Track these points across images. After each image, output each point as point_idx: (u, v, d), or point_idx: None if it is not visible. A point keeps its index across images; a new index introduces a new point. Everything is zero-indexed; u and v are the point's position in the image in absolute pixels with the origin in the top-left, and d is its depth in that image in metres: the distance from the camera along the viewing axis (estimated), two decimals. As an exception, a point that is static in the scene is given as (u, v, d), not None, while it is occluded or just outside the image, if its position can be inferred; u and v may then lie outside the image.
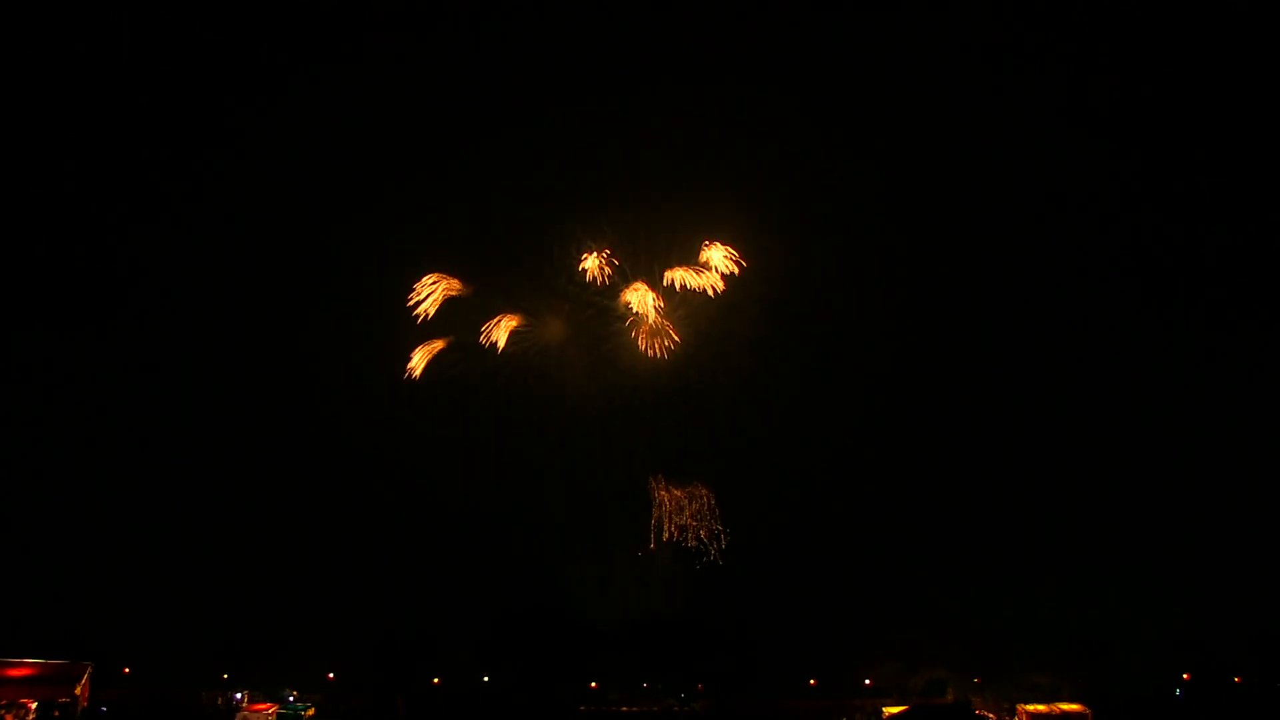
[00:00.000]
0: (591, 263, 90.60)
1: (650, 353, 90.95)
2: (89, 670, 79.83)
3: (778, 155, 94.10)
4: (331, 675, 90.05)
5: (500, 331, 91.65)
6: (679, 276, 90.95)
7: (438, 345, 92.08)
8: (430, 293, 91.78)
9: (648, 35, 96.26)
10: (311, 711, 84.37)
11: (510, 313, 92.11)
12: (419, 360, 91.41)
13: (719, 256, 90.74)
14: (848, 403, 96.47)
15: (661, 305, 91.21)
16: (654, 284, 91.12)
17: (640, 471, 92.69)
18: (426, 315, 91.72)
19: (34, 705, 75.30)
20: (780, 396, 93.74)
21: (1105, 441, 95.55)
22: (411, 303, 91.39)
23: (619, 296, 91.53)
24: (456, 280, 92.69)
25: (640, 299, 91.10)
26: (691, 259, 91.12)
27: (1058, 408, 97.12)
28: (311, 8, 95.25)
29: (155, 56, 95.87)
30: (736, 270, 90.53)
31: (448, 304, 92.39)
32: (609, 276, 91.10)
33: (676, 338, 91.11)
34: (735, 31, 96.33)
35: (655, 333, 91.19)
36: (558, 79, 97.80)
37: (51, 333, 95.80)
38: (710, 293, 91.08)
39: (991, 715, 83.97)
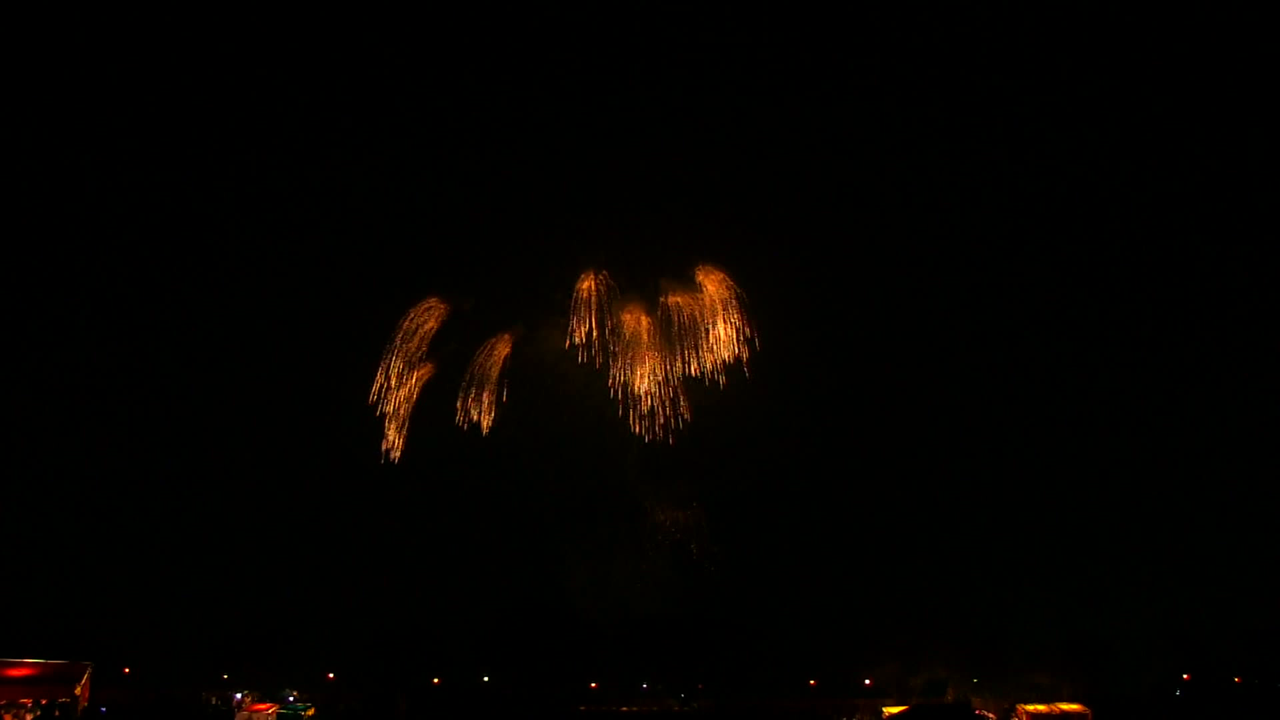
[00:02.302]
0: (587, 282, 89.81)
1: (649, 436, 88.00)
2: (89, 670, 79.71)
3: (771, 177, 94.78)
4: (331, 675, 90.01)
5: (496, 356, 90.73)
6: (673, 301, 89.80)
7: (427, 370, 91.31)
8: (425, 319, 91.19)
9: (645, 48, 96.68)
10: (311, 711, 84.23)
11: (507, 330, 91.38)
12: (395, 437, 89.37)
13: (712, 280, 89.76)
14: (848, 405, 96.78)
15: (656, 334, 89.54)
16: (650, 306, 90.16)
17: (634, 477, 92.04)
18: (422, 347, 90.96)
19: (33, 704, 75.40)
20: (778, 400, 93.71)
21: (1105, 443, 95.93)
22: (407, 325, 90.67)
23: (617, 314, 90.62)
24: (447, 305, 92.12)
25: (637, 361, 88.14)
26: (686, 280, 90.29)
27: (1058, 409, 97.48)
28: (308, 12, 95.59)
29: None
30: (730, 294, 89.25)
31: (447, 322, 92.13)
32: (605, 294, 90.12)
33: (687, 415, 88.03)
34: (732, 46, 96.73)
35: (656, 412, 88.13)
36: (555, 93, 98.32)
37: (56, 337, 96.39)
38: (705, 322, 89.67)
39: (992, 715, 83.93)
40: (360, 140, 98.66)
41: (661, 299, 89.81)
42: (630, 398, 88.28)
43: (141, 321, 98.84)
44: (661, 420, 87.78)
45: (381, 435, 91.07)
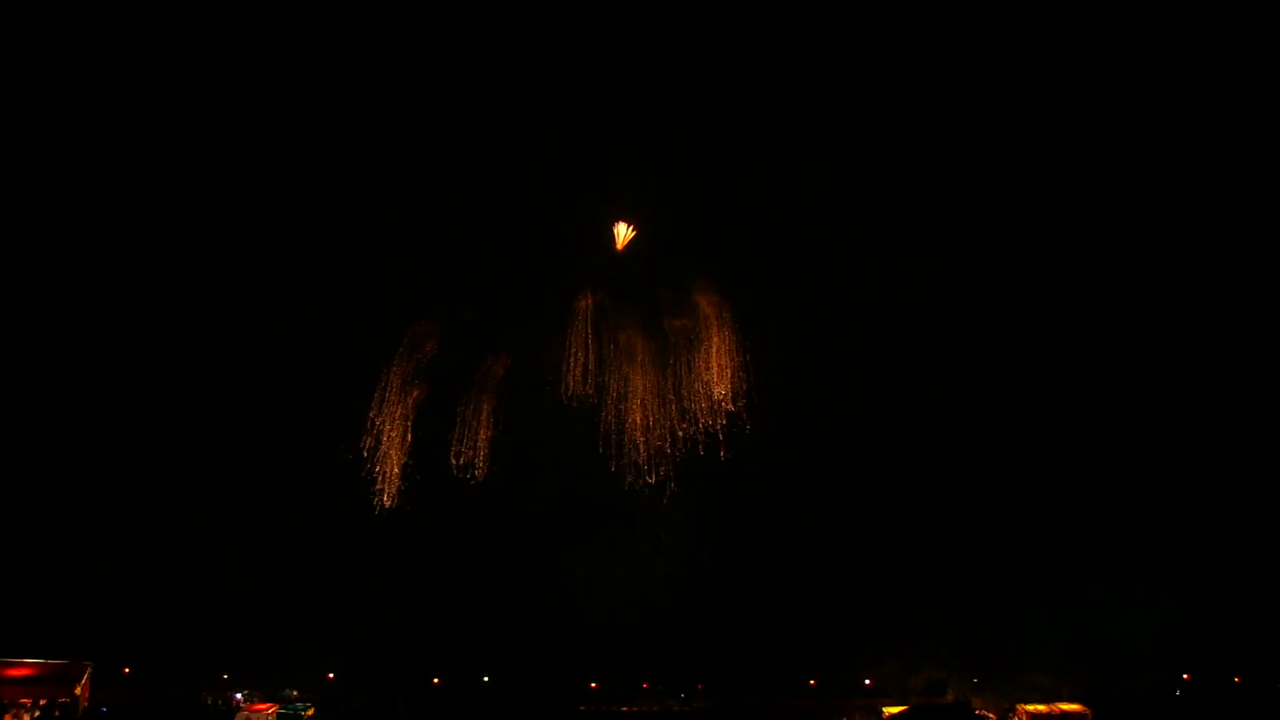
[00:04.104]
0: (585, 301, 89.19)
1: (643, 488, 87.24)
2: (89, 670, 79.85)
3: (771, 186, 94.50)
4: (331, 675, 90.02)
5: (492, 376, 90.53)
6: (670, 327, 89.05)
7: (422, 390, 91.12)
8: (422, 341, 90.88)
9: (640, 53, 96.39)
10: (311, 711, 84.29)
11: (506, 345, 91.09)
12: (388, 487, 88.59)
13: (707, 297, 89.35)
14: (846, 403, 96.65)
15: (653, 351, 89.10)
16: (647, 336, 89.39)
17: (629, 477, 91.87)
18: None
19: (33, 704, 75.46)
20: (777, 399, 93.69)
21: (1105, 441, 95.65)
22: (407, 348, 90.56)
23: (614, 337, 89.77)
24: (442, 324, 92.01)
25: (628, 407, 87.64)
26: (685, 295, 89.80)
27: (1056, 407, 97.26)
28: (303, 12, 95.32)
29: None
30: (724, 310, 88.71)
31: (444, 339, 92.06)
32: (603, 312, 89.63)
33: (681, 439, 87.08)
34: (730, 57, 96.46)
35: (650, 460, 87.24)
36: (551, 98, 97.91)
37: (56, 338, 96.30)
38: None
39: (992, 715, 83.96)
40: (350, 147, 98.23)
41: (660, 320, 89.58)
42: (625, 449, 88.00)
43: (142, 320, 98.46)
44: (656, 480, 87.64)
45: (380, 442, 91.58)
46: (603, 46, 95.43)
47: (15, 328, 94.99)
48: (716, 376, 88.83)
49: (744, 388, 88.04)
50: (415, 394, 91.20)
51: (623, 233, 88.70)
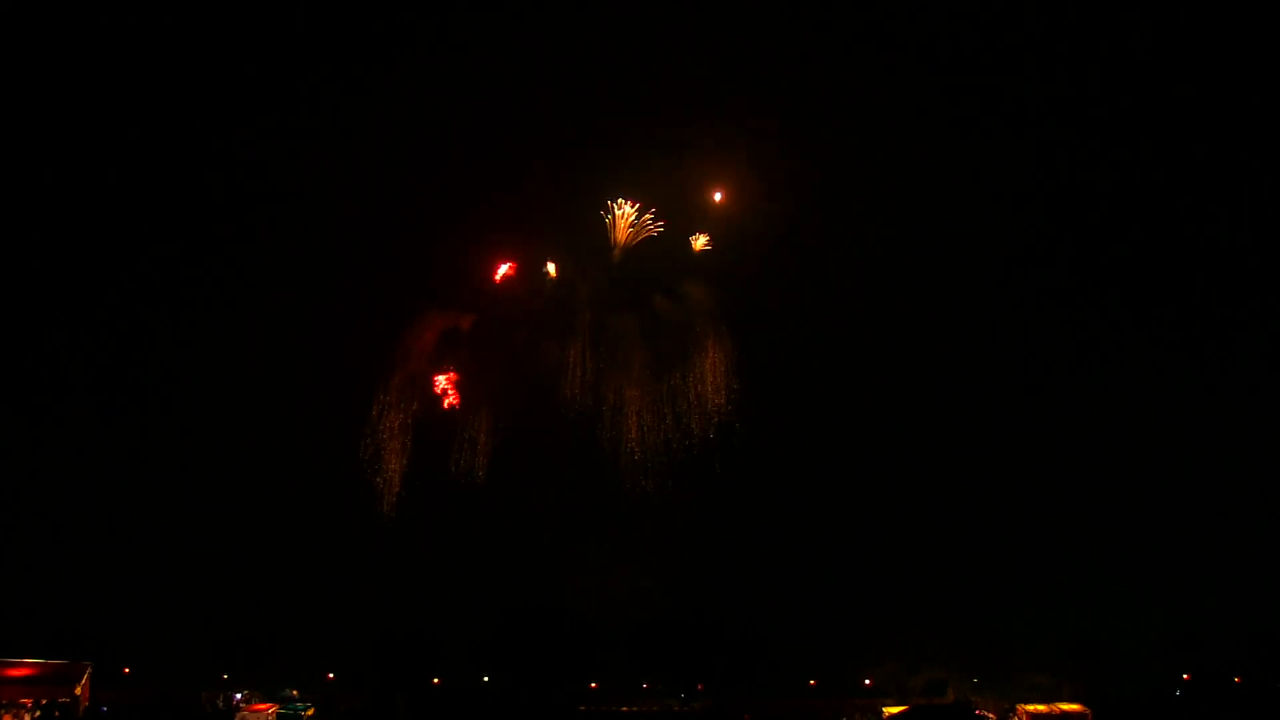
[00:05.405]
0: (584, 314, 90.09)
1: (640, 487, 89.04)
2: (89, 670, 80.00)
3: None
4: (331, 675, 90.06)
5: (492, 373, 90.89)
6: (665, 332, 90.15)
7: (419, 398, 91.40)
8: (422, 339, 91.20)
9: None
10: (311, 711, 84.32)
11: (506, 342, 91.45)
12: (388, 493, 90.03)
13: (700, 292, 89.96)
14: (846, 402, 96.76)
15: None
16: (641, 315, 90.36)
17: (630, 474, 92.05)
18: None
19: (33, 704, 75.54)
20: (777, 398, 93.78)
21: (1105, 442, 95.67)
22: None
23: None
24: (443, 323, 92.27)
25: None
26: (680, 308, 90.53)
27: (1057, 408, 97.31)
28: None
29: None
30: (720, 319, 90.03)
31: (444, 341, 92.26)
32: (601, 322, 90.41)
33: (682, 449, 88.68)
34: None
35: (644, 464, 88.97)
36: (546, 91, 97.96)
37: (57, 337, 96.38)
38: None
39: (992, 715, 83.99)
40: (348, 150, 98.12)
41: (657, 329, 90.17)
42: (623, 453, 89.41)
43: (147, 325, 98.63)
44: (653, 488, 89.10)
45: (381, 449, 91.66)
46: (602, 50, 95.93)
47: (17, 331, 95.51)
48: (712, 383, 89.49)
49: (740, 393, 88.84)
50: (415, 401, 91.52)
51: (624, 215, 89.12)
